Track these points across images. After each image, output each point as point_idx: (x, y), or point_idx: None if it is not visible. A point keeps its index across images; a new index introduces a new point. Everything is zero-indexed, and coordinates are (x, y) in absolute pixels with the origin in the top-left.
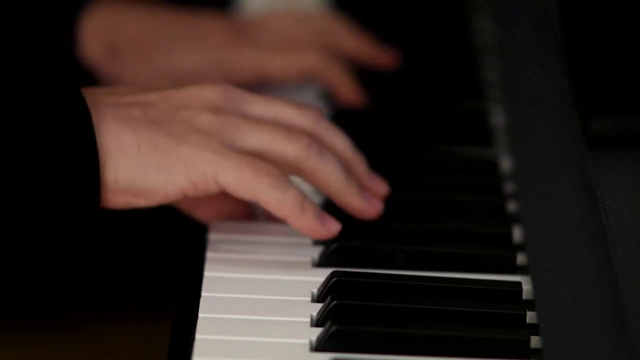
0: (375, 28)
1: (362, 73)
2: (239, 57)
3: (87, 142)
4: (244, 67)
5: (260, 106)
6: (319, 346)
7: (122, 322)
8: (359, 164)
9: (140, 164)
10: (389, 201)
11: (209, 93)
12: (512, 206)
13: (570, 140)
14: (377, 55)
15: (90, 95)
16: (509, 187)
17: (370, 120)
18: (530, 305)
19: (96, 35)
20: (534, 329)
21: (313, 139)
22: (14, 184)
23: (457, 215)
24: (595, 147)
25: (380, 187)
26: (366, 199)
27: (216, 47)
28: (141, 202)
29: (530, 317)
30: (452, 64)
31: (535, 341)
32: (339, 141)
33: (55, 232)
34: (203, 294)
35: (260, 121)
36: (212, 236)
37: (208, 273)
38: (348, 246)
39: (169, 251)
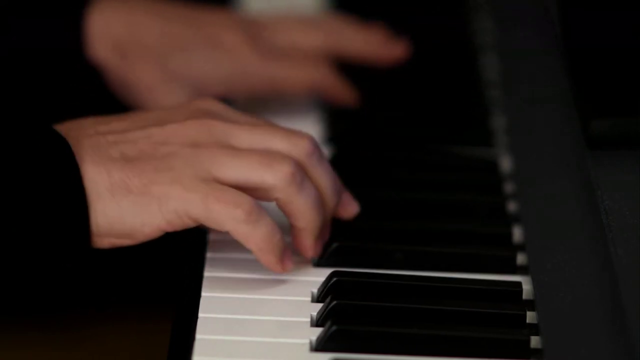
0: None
1: (362, 72)
2: (253, 67)
3: (75, 190)
4: (259, 78)
5: (243, 138)
6: (319, 346)
7: (122, 322)
8: (333, 209)
9: (115, 208)
10: (389, 201)
11: (191, 129)
12: (512, 206)
13: (570, 140)
14: (387, 51)
15: (74, 135)
16: (509, 187)
17: (370, 121)
18: (530, 305)
19: (104, 35)
20: (534, 329)
21: (297, 169)
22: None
23: (457, 215)
24: (595, 147)
25: (352, 209)
26: (318, 246)
27: (231, 55)
28: (125, 242)
29: (530, 317)
30: (452, 64)
31: (535, 341)
32: (324, 179)
33: (45, 272)
34: (203, 294)
35: (238, 151)
36: (212, 236)
37: (208, 273)
38: (348, 246)
39: (169, 251)
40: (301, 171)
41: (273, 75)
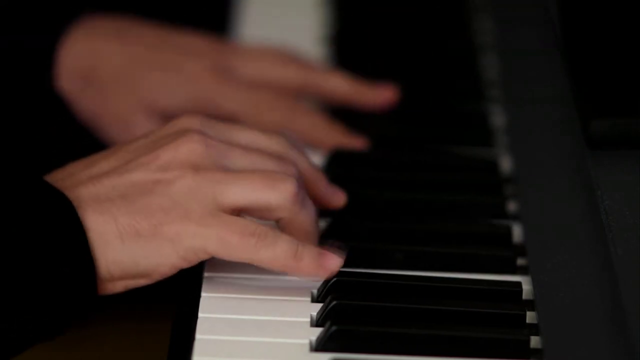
0: (375, 28)
1: (361, 71)
2: (211, 95)
3: (79, 246)
4: (222, 110)
5: (241, 161)
6: (319, 346)
7: (122, 322)
8: (321, 181)
9: (127, 253)
10: (389, 201)
11: (184, 151)
12: (512, 206)
13: (570, 140)
14: (371, 94)
15: (64, 184)
16: (509, 187)
17: (370, 121)
18: (530, 305)
19: (69, 66)
20: (534, 329)
21: (299, 187)
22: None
23: (457, 215)
24: (595, 147)
25: (339, 197)
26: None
27: (191, 81)
28: (141, 282)
29: (530, 317)
30: (452, 64)
31: (535, 341)
32: (303, 158)
33: (54, 321)
34: (203, 294)
35: (240, 173)
36: None
37: (208, 273)
38: (348, 247)
39: None
40: (303, 189)
41: (231, 106)
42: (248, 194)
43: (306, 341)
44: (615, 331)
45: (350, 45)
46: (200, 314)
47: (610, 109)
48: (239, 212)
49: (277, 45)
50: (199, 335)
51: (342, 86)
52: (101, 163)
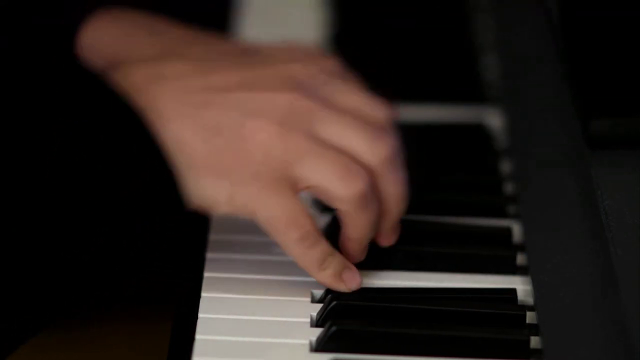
0: (375, 28)
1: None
2: None
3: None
4: None
5: (331, 130)
6: (319, 346)
7: (122, 322)
8: (393, 217)
9: (195, 181)
10: None
11: (280, 105)
12: (512, 206)
13: (570, 140)
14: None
15: (153, 75)
16: (509, 187)
17: None
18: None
19: (98, 52)
20: (534, 329)
21: (369, 188)
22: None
23: (457, 216)
24: (595, 147)
25: (391, 240)
26: (363, 254)
27: None
28: (213, 208)
29: (530, 317)
30: (452, 64)
31: (535, 341)
32: (393, 188)
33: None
34: (203, 294)
35: (322, 152)
36: (212, 236)
37: (208, 273)
38: None
39: (169, 251)
40: (372, 191)
41: None
42: (319, 175)
43: (306, 341)
44: (615, 331)
45: (350, 45)
46: (200, 314)
47: (610, 108)
48: (305, 187)
49: (297, 42)
50: (199, 335)
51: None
52: (201, 78)
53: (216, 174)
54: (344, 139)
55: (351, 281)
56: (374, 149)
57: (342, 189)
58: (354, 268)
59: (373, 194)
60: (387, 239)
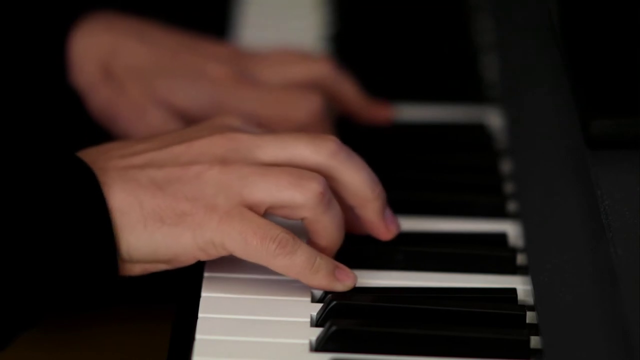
0: (375, 28)
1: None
2: (237, 100)
3: (101, 223)
4: (242, 113)
5: (271, 151)
6: (319, 346)
7: (122, 322)
8: (373, 202)
9: (148, 240)
10: (389, 201)
11: (217, 145)
12: (512, 206)
13: (570, 140)
14: (373, 109)
15: (98, 160)
16: (509, 187)
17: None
18: (530, 305)
19: (87, 57)
20: (534, 329)
21: (326, 188)
22: (29, 268)
23: (457, 216)
24: (595, 147)
25: (391, 228)
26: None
27: (213, 86)
28: (160, 267)
29: (530, 317)
30: (452, 64)
31: (535, 341)
32: (355, 174)
33: (73, 297)
34: (203, 294)
35: (267, 170)
36: None
37: (208, 273)
38: (348, 246)
39: None
40: (329, 191)
41: (254, 110)
42: (273, 191)
43: (306, 341)
44: (615, 331)
45: (350, 45)
46: (200, 314)
47: (610, 109)
48: (264, 210)
49: (293, 46)
50: (199, 335)
51: (352, 94)
52: (136, 146)
53: (171, 221)
54: (285, 152)
55: (346, 278)
56: (318, 147)
57: (298, 195)
58: (344, 266)
59: (332, 197)
60: (383, 229)
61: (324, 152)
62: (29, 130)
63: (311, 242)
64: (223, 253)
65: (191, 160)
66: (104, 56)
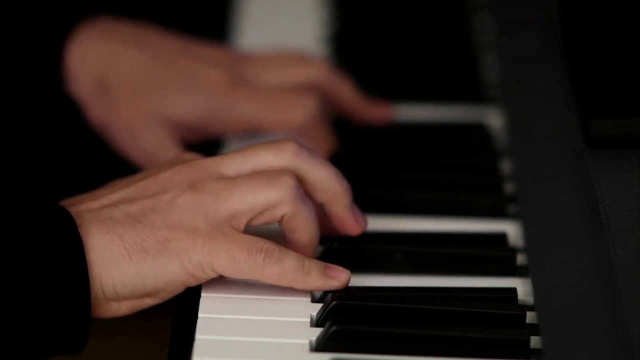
0: (375, 28)
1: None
2: (234, 106)
3: (77, 267)
4: (238, 118)
5: (233, 165)
6: (319, 346)
7: (122, 322)
8: (342, 197)
9: (135, 272)
10: (389, 201)
11: (182, 172)
12: (512, 206)
13: (570, 140)
14: (371, 109)
15: (71, 206)
16: (509, 187)
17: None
18: (530, 305)
19: (82, 69)
20: (533, 329)
21: (297, 182)
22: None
23: (456, 215)
24: (595, 147)
25: (361, 222)
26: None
27: (208, 94)
28: (148, 302)
29: (530, 317)
30: (452, 64)
31: (535, 341)
32: (321, 170)
33: (45, 344)
34: (203, 294)
35: (236, 181)
36: None
37: None
38: (348, 246)
39: None
40: (300, 185)
41: (252, 117)
42: (248, 198)
43: (306, 341)
44: (615, 331)
45: (350, 45)
46: (200, 314)
47: (610, 109)
48: (245, 222)
49: (290, 48)
50: (199, 335)
51: (350, 95)
52: (102, 191)
53: (154, 251)
54: (248, 162)
55: (339, 275)
56: (279, 150)
57: (273, 193)
58: (333, 265)
59: (302, 189)
60: (354, 224)
61: (285, 154)
62: (27, 139)
63: (292, 242)
64: (212, 275)
65: (160, 190)
66: (99, 68)
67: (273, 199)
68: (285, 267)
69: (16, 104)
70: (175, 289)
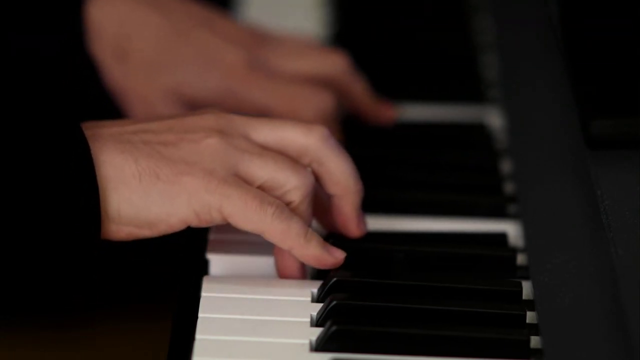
0: (375, 28)
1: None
2: (248, 91)
3: (87, 175)
4: (251, 104)
5: (264, 132)
6: (319, 346)
7: (122, 322)
8: (354, 194)
9: (142, 195)
10: (389, 201)
11: (211, 120)
12: (512, 206)
13: (570, 140)
14: (379, 109)
15: (91, 127)
16: (509, 187)
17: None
18: (530, 305)
19: (101, 32)
20: (534, 329)
21: (315, 184)
22: (13, 218)
23: (456, 215)
24: (595, 147)
25: (361, 226)
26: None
27: (228, 77)
28: (145, 233)
29: (530, 317)
30: (452, 64)
31: (535, 341)
32: (342, 163)
33: (56, 263)
34: (203, 294)
35: (264, 151)
36: (212, 236)
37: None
38: (348, 246)
39: (169, 251)
40: (315, 183)
41: (265, 104)
42: (271, 170)
43: (306, 341)
44: (615, 331)
45: (350, 45)
46: (200, 314)
47: (610, 109)
48: (256, 187)
49: (312, 38)
50: (199, 335)
51: (363, 93)
52: (130, 122)
53: (167, 179)
54: (276, 133)
55: (335, 252)
56: (309, 131)
57: (295, 178)
58: (331, 245)
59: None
60: (355, 225)
61: (314, 136)
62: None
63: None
64: (217, 220)
65: (186, 130)
66: (120, 29)
67: (292, 183)
68: (291, 226)
69: (36, 61)
70: (177, 224)
